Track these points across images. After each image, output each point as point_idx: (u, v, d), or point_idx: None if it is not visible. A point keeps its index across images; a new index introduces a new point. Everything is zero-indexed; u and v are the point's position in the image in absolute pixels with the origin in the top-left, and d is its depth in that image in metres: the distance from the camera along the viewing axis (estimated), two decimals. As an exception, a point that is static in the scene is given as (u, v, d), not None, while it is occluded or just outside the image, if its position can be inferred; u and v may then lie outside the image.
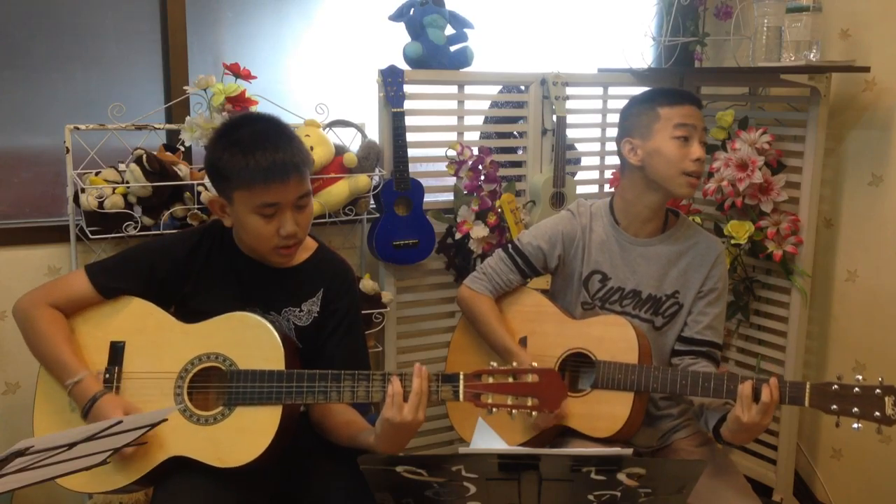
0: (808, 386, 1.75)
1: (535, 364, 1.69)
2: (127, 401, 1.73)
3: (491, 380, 1.67)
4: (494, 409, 1.66)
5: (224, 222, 1.83)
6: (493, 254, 2.19)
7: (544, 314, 2.10)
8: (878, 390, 1.71)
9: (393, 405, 1.64)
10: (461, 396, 1.67)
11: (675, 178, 1.96)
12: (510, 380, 1.66)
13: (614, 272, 2.05)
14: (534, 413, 1.66)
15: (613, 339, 1.97)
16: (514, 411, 1.66)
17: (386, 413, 1.65)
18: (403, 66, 2.58)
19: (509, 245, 2.17)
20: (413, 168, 2.58)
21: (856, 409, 1.72)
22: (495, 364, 1.70)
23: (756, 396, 1.73)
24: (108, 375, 1.76)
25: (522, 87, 2.82)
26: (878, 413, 1.70)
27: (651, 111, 2.00)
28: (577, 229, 2.08)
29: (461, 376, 1.68)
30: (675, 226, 2.07)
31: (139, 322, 1.80)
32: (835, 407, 1.73)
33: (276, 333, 1.75)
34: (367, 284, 2.53)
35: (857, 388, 1.72)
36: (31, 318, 1.79)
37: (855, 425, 1.73)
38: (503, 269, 2.13)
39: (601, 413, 1.93)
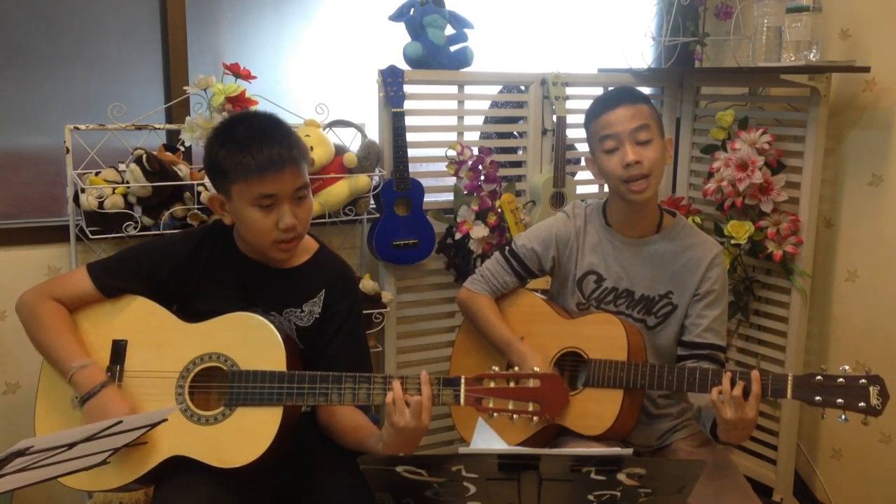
0: (790, 378, 1.73)
1: (536, 368, 1.69)
2: (131, 398, 1.73)
3: (492, 384, 1.67)
4: (496, 414, 1.66)
5: (224, 220, 1.83)
6: (492, 256, 2.21)
7: (539, 315, 2.11)
8: (862, 380, 1.69)
9: (395, 411, 1.64)
10: (462, 400, 1.68)
11: (619, 188, 1.97)
12: (512, 384, 1.66)
13: (609, 273, 2.06)
14: (535, 418, 1.66)
15: (604, 337, 1.97)
16: (515, 416, 1.66)
17: (390, 418, 1.65)
18: (403, 66, 2.58)
19: (505, 248, 2.19)
20: (413, 168, 2.58)
21: (840, 400, 1.69)
22: (497, 368, 1.70)
23: (744, 394, 1.72)
24: (109, 373, 1.76)
25: (522, 87, 2.82)
26: (862, 403, 1.68)
27: (588, 130, 2.05)
28: (572, 231, 2.10)
29: (462, 380, 1.68)
30: (671, 226, 2.06)
31: (142, 321, 1.80)
32: (819, 398, 1.70)
33: (278, 334, 1.75)
34: (367, 284, 2.53)
35: (840, 379, 1.70)
36: (34, 311, 1.80)
37: (841, 417, 1.70)
38: (499, 270, 2.16)
39: (592, 411, 1.93)
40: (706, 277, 2.01)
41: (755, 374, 1.73)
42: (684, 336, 2.02)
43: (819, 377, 1.71)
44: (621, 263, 2.05)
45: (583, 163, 2.97)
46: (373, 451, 1.73)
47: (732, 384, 1.72)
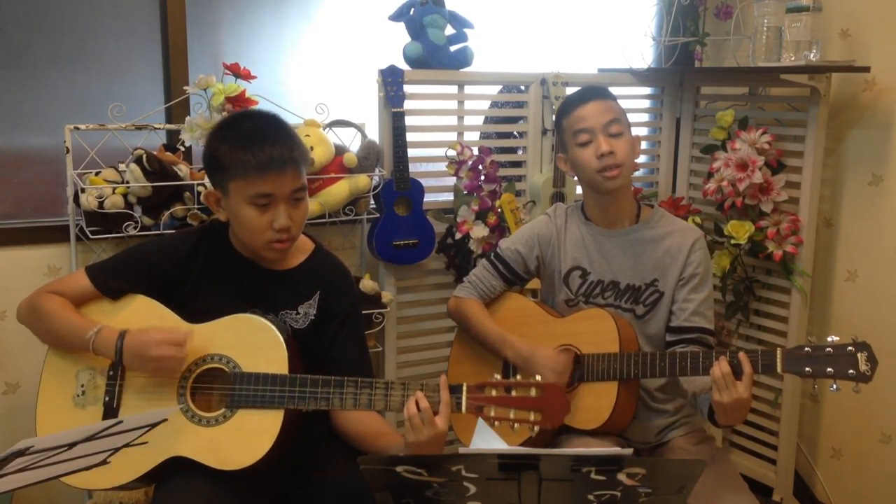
0: (779, 351, 1.75)
1: (538, 377, 1.69)
2: (133, 397, 1.74)
3: (494, 392, 1.67)
4: (497, 423, 1.66)
5: (219, 217, 1.83)
6: (478, 263, 2.23)
7: (530, 316, 2.13)
8: (850, 347, 1.70)
9: (423, 423, 1.63)
10: (464, 408, 1.68)
11: (594, 179, 2.01)
12: (514, 393, 1.66)
13: (592, 266, 2.08)
14: (536, 428, 1.66)
15: (595, 331, 1.99)
16: (516, 425, 1.66)
17: (411, 437, 1.64)
18: (403, 66, 2.58)
19: (491, 253, 2.23)
20: (413, 168, 2.58)
21: (830, 370, 1.70)
22: (498, 376, 1.70)
23: (736, 373, 1.74)
24: (111, 372, 1.76)
25: (522, 87, 2.82)
26: (852, 371, 1.69)
27: (560, 126, 2.09)
28: (553, 230, 2.13)
29: (464, 388, 1.69)
30: (650, 215, 2.10)
31: (144, 320, 1.80)
32: (808, 369, 1.72)
33: (280, 336, 1.75)
34: (367, 284, 2.53)
35: (829, 348, 1.71)
36: (36, 304, 1.80)
37: (832, 387, 1.71)
38: (486, 276, 2.19)
39: (589, 405, 1.95)
40: (689, 262, 2.03)
41: (742, 354, 1.75)
42: (672, 322, 2.04)
43: (807, 348, 1.73)
44: (604, 255, 2.08)
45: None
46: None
47: (722, 368, 1.74)
